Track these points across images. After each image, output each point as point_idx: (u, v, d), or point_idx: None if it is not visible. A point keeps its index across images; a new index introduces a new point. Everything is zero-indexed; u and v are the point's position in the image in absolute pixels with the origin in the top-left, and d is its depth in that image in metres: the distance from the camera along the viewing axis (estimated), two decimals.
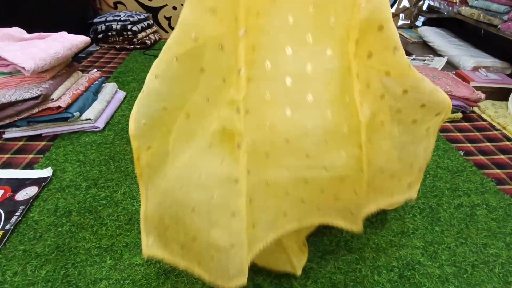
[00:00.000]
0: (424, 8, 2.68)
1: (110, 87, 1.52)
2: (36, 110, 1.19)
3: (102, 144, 1.26)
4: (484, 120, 1.42)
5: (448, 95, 1.39)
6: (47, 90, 1.18)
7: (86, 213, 0.94)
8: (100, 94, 1.45)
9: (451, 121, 1.41)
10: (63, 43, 1.28)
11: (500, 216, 0.93)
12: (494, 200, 0.98)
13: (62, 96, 1.26)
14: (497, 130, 1.34)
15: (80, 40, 1.38)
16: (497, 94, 1.55)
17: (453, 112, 1.41)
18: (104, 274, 0.77)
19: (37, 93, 1.15)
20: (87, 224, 0.91)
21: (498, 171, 1.11)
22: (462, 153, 1.19)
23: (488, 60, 1.82)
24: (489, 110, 1.49)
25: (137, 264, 0.79)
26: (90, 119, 1.29)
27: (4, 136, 1.25)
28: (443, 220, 0.92)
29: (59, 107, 1.22)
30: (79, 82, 1.38)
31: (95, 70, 1.57)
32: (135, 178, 1.08)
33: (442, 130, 1.35)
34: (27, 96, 1.14)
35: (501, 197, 0.99)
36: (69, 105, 1.26)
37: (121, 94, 1.59)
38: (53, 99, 1.21)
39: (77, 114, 1.25)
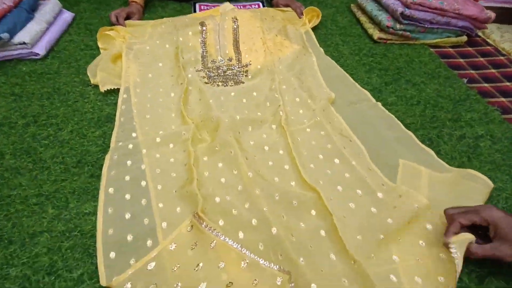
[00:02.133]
0: None
1: (51, 5, 1.23)
2: None
3: (44, 74, 1.03)
4: (489, 45, 1.26)
5: (455, 13, 1.23)
6: None
7: (23, 155, 0.77)
8: (38, 13, 1.17)
9: (454, 46, 1.24)
10: None
11: (505, 148, 0.83)
12: (498, 131, 0.87)
13: None
14: (503, 55, 1.20)
15: None
16: (506, 16, 1.37)
17: (457, 35, 1.23)
18: (45, 226, 0.63)
19: None
20: (25, 168, 0.74)
21: (503, 99, 0.99)
22: (465, 80, 1.05)
23: None
24: (494, 35, 1.32)
25: (87, 213, 0.66)
26: (25, 43, 1.04)
27: None
28: (443, 153, 0.81)
29: None
30: None
31: None
32: (86, 114, 0.90)
33: (444, 55, 1.19)
34: None
35: (506, 127, 0.88)
36: None
37: (68, 15, 1.31)
38: None
39: (5, 35, 0.99)
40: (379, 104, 0.95)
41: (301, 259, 0.57)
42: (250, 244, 0.59)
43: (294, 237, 0.61)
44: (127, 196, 0.68)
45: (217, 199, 0.67)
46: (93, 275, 0.56)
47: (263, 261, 0.56)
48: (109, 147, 0.80)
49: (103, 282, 0.55)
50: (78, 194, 0.69)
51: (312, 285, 0.54)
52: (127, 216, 0.65)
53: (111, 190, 0.69)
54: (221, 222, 0.63)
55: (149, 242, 0.60)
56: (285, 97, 0.96)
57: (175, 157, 0.77)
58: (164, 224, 0.63)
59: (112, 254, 0.59)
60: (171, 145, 0.80)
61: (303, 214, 0.65)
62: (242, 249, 0.58)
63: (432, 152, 0.81)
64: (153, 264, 0.57)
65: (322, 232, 0.62)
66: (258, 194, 0.67)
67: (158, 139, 0.81)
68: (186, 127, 0.84)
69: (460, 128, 0.88)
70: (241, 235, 0.61)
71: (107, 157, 0.76)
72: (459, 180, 0.73)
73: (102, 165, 0.75)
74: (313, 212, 0.66)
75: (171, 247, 0.59)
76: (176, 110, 0.91)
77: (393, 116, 0.91)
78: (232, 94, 0.98)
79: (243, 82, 1.03)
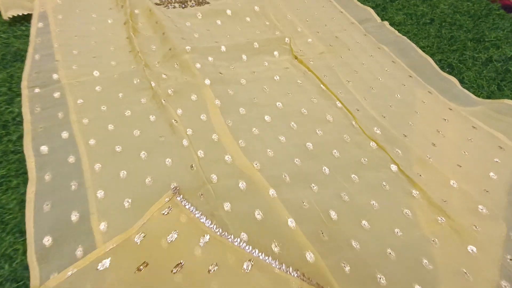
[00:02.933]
0: None
1: None
2: None
3: None
4: None
5: None
6: None
7: None
8: None
9: None
10: None
11: None
12: None
13: None
14: None
15: None
16: None
17: None
18: None
19: None
20: None
21: None
22: None
23: None
24: None
25: None
26: None
27: None
28: (468, 81, 0.65)
29: None
30: None
31: None
32: None
33: None
34: None
35: None
36: None
37: None
38: None
39: None
40: (386, 23, 0.75)
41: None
42: None
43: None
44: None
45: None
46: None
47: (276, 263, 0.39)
48: (18, 95, 0.55)
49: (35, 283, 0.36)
50: None
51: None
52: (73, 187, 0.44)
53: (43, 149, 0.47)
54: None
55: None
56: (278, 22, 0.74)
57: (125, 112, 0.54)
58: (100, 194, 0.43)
59: (47, 240, 0.39)
60: (120, 95, 0.57)
61: None
62: (248, 248, 0.39)
63: (455, 80, 0.64)
64: (107, 262, 0.37)
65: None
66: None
67: (95, 85, 0.57)
68: (135, 67, 0.60)
69: (485, 50, 0.71)
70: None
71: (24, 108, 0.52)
72: (491, 115, 0.58)
73: (6, 121, 0.51)
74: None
75: (137, 239, 0.40)
76: (116, 41, 0.66)
77: (405, 38, 0.72)
78: (199, 16, 0.73)
79: (208, 3, 0.78)
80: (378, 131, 0.53)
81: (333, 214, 0.43)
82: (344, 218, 0.43)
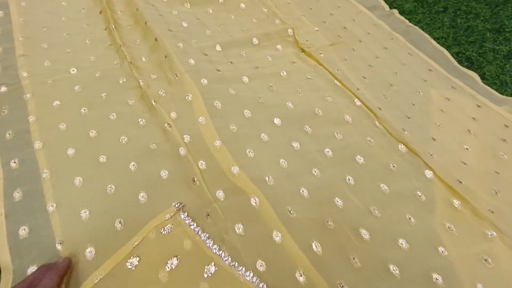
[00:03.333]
0: None
1: None
2: None
3: None
4: None
5: None
6: None
7: None
8: None
9: None
10: None
11: None
12: None
13: None
14: None
15: None
16: None
17: None
18: None
19: None
20: None
21: None
22: None
23: None
24: None
25: None
26: None
27: None
28: (489, 77, 0.59)
29: None
30: None
31: None
32: None
33: None
34: None
35: None
36: None
37: None
38: None
39: None
40: (395, 12, 0.69)
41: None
42: None
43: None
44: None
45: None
46: None
47: None
48: None
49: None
50: None
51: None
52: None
53: None
54: None
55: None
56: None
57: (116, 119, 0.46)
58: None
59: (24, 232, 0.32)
60: (103, 95, 0.48)
61: None
62: (262, 285, 0.32)
63: (476, 76, 0.59)
64: None
65: None
66: None
67: (74, 84, 0.49)
68: (118, 63, 0.52)
69: (506, 42, 0.65)
70: None
71: None
72: None
73: None
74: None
75: (130, 265, 0.32)
76: (92, 33, 0.57)
77: (417, 28, 0.66)
78: (187, 5, 0.65)
79: None
80: (406, 132, 0.47)
81: (364, 233, 0.36)
82: (377, 237, 0.36)
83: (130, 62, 0.52)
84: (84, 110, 0.46)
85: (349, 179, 0.41)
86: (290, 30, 0.62)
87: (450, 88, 0.55)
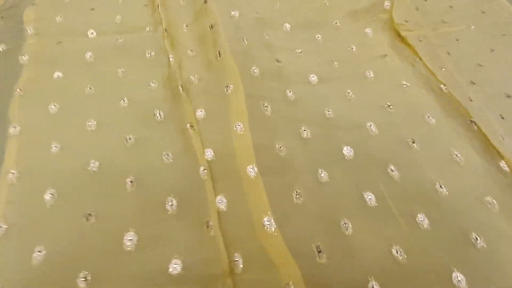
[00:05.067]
0: None
1: None
2: None
3: None
4: None
5: None
6: None
7: None
8: None
9: None
10: None
11: None
12: None
13: None
14: None
15: None
16: None
17: None
18: None
19: None
20: None
21: None
22: None
23: None
24: None
25: None
26: None
27: None
28: None
29: None
30: None
31: None
32: None
33: None
34: None
35: None
36: None
37: None
38: None
39: None
40: None
41: None
42: None
43: None
44: None
45: None
46: None
47: None
48: None
49: None
50: None
51: None
52: None
53: None
54: None
55: None
56: None
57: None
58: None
59: None
60: (120, 71, 0.36)
61: None
62: None
63: None
64: None
65: None
66: None
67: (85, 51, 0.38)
68: (150, 30, 0.40)
69: None
70: None
71: None
72: None
73: None
74: None
75: None
76: None
77: None
78: None
79: None
80: None
81: None
82: None
83: (165, 29, 0.40)
84: (89, 89, 0.34)
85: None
86: (387, 3, 0.44)
87: None
